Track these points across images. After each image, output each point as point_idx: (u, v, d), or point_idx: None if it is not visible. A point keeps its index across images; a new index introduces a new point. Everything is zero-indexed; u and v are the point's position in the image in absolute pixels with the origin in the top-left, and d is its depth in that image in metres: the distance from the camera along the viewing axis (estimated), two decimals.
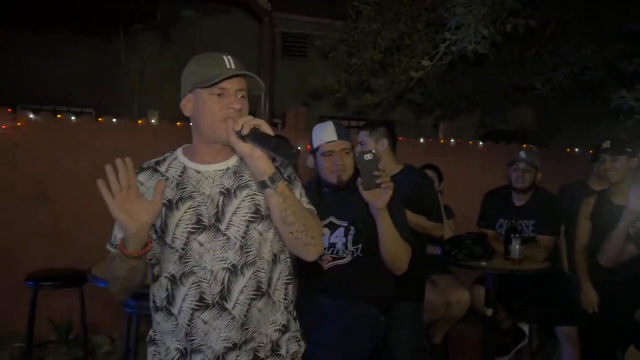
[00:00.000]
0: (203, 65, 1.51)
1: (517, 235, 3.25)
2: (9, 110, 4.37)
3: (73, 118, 4.53)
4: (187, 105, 1.54)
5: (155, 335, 1.61)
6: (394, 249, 2.21)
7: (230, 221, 1.52)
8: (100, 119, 4.62)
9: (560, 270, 3.57)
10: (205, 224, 1.52)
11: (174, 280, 1.51)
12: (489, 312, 3.30)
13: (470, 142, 5.52)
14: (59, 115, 4.53)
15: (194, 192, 1.54)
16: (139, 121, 4.64)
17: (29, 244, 4.21)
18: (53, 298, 3.41)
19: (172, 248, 1.52)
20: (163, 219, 1.51)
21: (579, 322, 3.29)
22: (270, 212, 1.49)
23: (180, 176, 1.56)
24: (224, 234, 1.51)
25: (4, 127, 4.27)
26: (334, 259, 2.34)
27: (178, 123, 4.73)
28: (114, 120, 4.61)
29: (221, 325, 1.50)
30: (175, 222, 1.51)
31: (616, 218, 2.60)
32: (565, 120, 5.07)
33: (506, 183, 3.66)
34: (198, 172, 1.56)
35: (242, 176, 1.57)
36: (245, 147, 1.42)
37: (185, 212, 1.52)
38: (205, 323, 1.50)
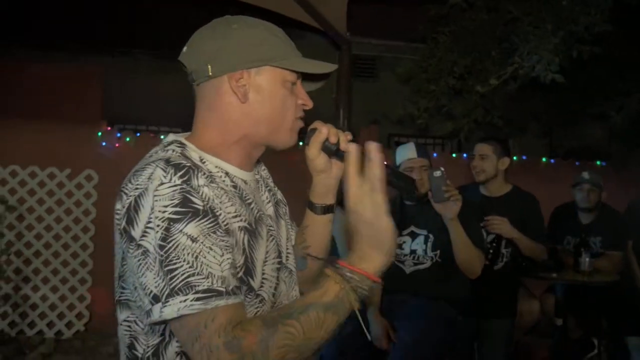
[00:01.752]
0: (278, 38, 1.07)
1: (587, 249, 3.40)
2: (109, 129, 4.92)
3: (162, 137, 5.02)
4: (238, 83, 1.03)
5: None
6: (467, 254, 2.52)
7: (288, 249, 1.16)
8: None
9: (630, 284, 3.66)
10: (282, 257, 1.12)
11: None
12: (559, 321, 3.45)
13: (543, 160, 5.64)
14: (162, 136, 5.02)
15: (260, 212, 1.09)
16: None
17: None
18: None
19: (258, 296, 1.02)
20: (247, 251, 1.00)
21: None
22: (316, 238, 1.21)
23: (235, 188, 1.05)
24: (286, 267, 1.14)
25: (117, 145, 4.79)
26: (415, 264, 2.65)
27: None
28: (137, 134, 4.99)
29: None
30: (263, 256, 1.04)
31: None
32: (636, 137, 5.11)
33: (572, 199, 3.80)
34: (245, 182, 1.09)
35: (269, 189, 1.21)
36: (323, 162, 1.13)
37: (268, 241, 1.07)
38: None
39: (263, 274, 1.03)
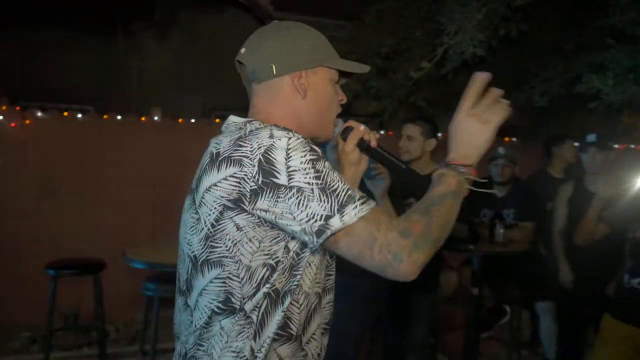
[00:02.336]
0: (326, 41, 1.25)
1: (501, 221, 3.58)
2: (17, 108, 4.55)
3: (79, 116, 4.73)
4: (299, 81, 1.18)
5: None
6: None
7: None
8: (105, 116, 4.82)
9: (539, 254, 3.90)
10: None
11: (274, 299, 1.11)
12: (475, 291, 3.62)
13: None
14: (65, 113, 4.72)
15: None
16: (143, 118, 4.84)
17: (36, 238, 4.39)
18: (59, 288, 3.50)
19: (325, 255, 1.19)
20: None
21: (556, 298, 3.64)
22: None
23: None
24: None
25: (13, 125, 4.45)
26: None
27: (180, 120, 4.95)
28: (119, 117, 4.81)
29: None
30: None
31: (590, 203, 2.92)
32: (545, 116, 5.40)
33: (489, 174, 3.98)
34: None
35: None
36: (356, 156, 1.32)
37: None
38: (323, 350, 1.24)
39: None
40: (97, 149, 4.66)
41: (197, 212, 1.11)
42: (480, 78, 1.15)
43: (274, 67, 1.17)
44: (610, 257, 2.92)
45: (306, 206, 1.01)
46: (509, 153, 3.87)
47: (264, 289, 1.08)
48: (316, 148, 1.08)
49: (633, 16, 3.08)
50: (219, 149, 1.09)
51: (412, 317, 3.09)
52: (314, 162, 1.04)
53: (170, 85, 5.85)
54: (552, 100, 3.91)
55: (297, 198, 1.01)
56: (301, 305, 1.13)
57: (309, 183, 1.02)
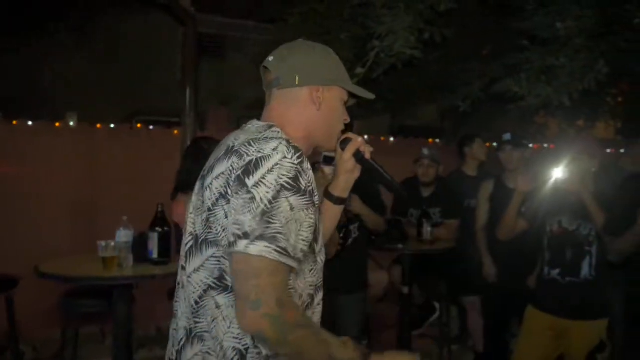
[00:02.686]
0: (343, 67, 1.40)
1: (428, 219, 3.66)
2: None
3: None
4: (317, 97, 1.32)
5: None
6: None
7: None
8: (14, 122, 4.51)
9: (464, 249, 4.02)
10: None
11: (313, 297, 1.29)
12: (406, 290, 3.68)
13: (382, 138, 5.97)
14: None
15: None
16: (57, 123, 4.57)
17: None
18: None
19: (315, 261, 1.30)
20: (317, 223, 1.27)
21: (481, 292, 3.76)
22: (327, 223, 1.48)
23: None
24: None
25: None
26: None
27: (98, 125, 4.72)
28: (30, 123, 4.51)
29: None
30: (321, 229, 1.33)
31: (510, 200, 3.04)
32: (466, 117, 5.60)
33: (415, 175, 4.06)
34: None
35: None
36: (352, 165, 1.44)
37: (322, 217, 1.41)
38: None
39: (321, 242, 1.33)
40: (6, 157, 4.34)
41: (202, 196, 1.22)
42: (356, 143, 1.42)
43: (297, 77, 1.31)
44: (531, 250, 3.04)
45: (244, 213, 1.11)
46: (433, 154, 3.97)
47: None
48: (301, 180, 1.17)
49: (542, 20, 3.22)
50: (235, 143, 1.22)
51: (343, 318, 3.09)
52: (282, 188, 1.13)
53: (90, 90, 5.59)
54: (473, 103, 4.04)
55: (244, 202, 1.12)
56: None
57: (261, 199, 1.11)
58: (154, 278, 2.28)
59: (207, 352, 1.20)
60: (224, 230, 1.16)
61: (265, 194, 1.11)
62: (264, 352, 1.18)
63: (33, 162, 4.41)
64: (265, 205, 1.11)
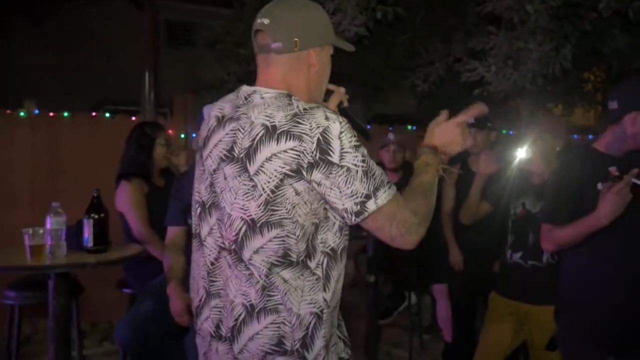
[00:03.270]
0: (328, 18, 1.41)
1: None
2: None
3: None
4: (316, 59, 1.34)
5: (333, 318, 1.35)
6: None
7: None
8: None
9: (433, 237, 3.92)
10: None
11: (333, 256, 1.31)
12: (372, 278, 3.57)
13: None
14: None
15: None
16: (7, 111, 4.41)
17: None
18: None
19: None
20: None
21: (448, 280, 3.67)
22: None
23: None
24: None
25: None
26: None
27: (66, 114, 4.56)
28: None
29: None
30: None
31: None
32: (439, 103, 5.51)
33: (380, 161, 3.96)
34: None
35: None
36: None
37: None
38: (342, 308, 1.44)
39: None
40: None
41: (251, 180, 1.23)
42: (480, 108, 1.44)
43: (297, 41, 1.30)
44: (497, 235, 2.95)
45: (352, 184, 1.21)
46: (399, 138, 3.86)
47: (321, 248, 1.27)
48: (355, 133, 1.26)
49: (509, 3, 3.12)
50: (273, 122, 1.23)
51: None
52: (358, 148, 1.23)
53: (54, 78, 5.42)
54: (436, 85, 3.94)
55: (345, 176, 1.21)
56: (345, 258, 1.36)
57: (355, 165, 1.21)
58: (84, 267, 2.14)
59: (282, 323, 1.26)
60: (293, 207, 1.23)
61: (354, 158, 1.22)
62: (331, 306, 1.30)
63: None
64: (362, 166, 1.22)
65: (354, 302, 4.34)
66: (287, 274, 1.25)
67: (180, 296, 2.36)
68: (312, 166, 1.20)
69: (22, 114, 4.35)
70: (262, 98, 1.29)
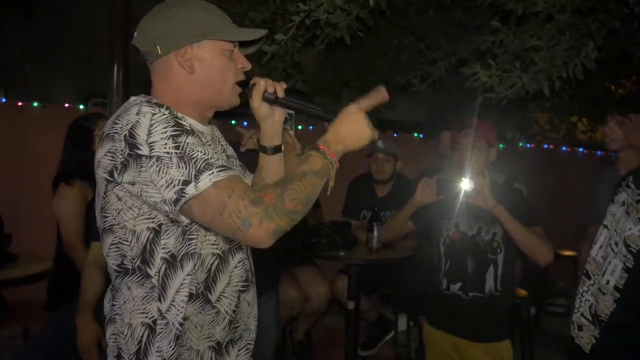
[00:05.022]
0: (213, 14, 1.28)
1: (378, 224, 3.09)
2: None
3: None
4: (184, 57, 1.23)
5: (180, 334, 1.22)
6: None
7: None
8: None
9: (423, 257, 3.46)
10: None
11: (223, 258, 1.27)
12: (351, 305, 3.13)
13: None
14: None
15: (225, 154, 1.40)
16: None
17: None
18: None
19: None
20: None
21: None
22: (271, 176, 1.39)
23: (201, 134, 1.28)
24: None
25: None
26: None
27: (36, 104, 4.21)
28: None
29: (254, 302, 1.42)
30: None
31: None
32: (446, 110, 5.05)
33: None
34: (202, 133, 1.29)
35: (222, 145, 1.44)
36: (266, 110, 1.35)
37: (244, 176, 1.43)
38: (248, 305, 1.38)
39: None
40: None
41: (97, 187, 1.21)
42: (384, 96, 1.23)
43: (158, 47, 1.23)
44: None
45: (166, 173, 1.08)
46: (388, 146, 3.41)
47: (161, 254, 1.18)
48: (182, 123, 1.16)
49: None
50: (104, 129, 1.19)
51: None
52: (175, 137, 1.11)
53: (37, 68, 5.11)
54: (435, 87, 3.48)
55: (157, 166, 1.09)
56: (195, 266, 1.21)
57: (168, 152, 1.09)
58: None
59: (119, 334, 1.21)
60: (118, 213, 1.17)
61: (165, 146, 1.10)
62: (170, 320, 1.19)
63: None
64: (176, 152, 1.10)
65: (331, 329, 3.89)
66: (130, 282, 1.21)
67: (91, 327, 1.96)
68: (124, 166, 1.12)
69: None
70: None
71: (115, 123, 1.14)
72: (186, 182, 1.08)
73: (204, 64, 1.24)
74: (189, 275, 1.19)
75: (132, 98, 1.24)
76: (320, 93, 4.64)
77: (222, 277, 1.27)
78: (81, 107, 4.47)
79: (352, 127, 1.21)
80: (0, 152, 4.09)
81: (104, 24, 4.54)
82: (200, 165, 1.09)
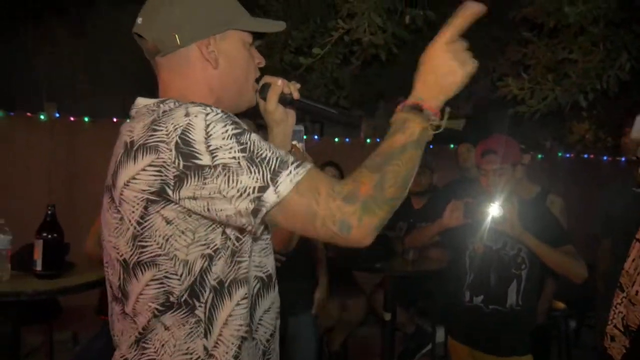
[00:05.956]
0: (232, 1, 1.13)
1: None
2: None
3: None
4: (208, 50, 1.07)
5: None
6: None
7: None
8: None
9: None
10: None
11: (265, 281, 1.12)
12: (388, 316, 3.18)
13: None
14: None
15: None
16: (28, 114, 4.33)
17: None
18: None
19: (267, 233, 1.14)
20: None
21: None
22: None
23: None
24: None
25: None
26: None
27: (86, 119, 4.43)
28: (11, 114, 4.32)
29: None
30: None
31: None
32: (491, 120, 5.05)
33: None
34: None
35: None
36: (281, 113, 1.21)
37: None
38: (277, 331, 1.20)
39: None
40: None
41: (118, 211, 0.99)
42: (472, 9, 0.97)
43: (177, 36, 1.05)
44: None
45: (236, 181, 0.91)
46: (426, 158, 3.44)
47: (207, 282, 1.00)
48: (238, 121, 0.97)
49: (545, 4, 2.68)
50: (132, 137, 0.97)
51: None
52: (237, 136, 0.94)
53: (87, 84, 5.38)
54: (481, 107, 3.50)
55: (224, 175, 0.91)
56: (246, 293, 1.05)
57: (234, 157, 0.92)
58: (19, 296, 1.84)
59: None
60: (166, 240, 0.96)
61: (229, 151, 0.92)
62: (220, 358, 1.01)
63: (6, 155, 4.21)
64: (243, 155, 0.92)
65: (370, 340, 3.94)
66: (169, 320, 1.00)
67: None
68: (179, 180, 0.92)
69: (42, 117, 4.26)
70: (136, 111, 1.05)
71: (155, 130, 0.95)
72: (263, 188, 0.91)
73: (228, 58, 1.09)
74: (238, 305, 1.02)
75: (160, 102, 1.02)
76: (356, 106, 4.73)
77: (262, 303, 1.11)
78: (128, 121, 4.65)
79: (446, 69, 0.99)
80: (54, 165, 4.33)
81: None
82: (275, 165, 0.92)
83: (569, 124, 4.84)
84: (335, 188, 0.93)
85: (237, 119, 0.98)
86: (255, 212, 0.92)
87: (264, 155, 0.93)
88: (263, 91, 1.18)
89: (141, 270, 0.99)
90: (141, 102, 1.06)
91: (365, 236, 0.93)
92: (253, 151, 0.92)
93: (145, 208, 0.95)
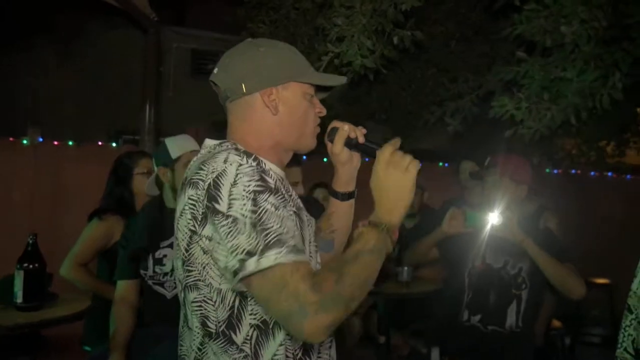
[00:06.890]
0: (298, 56, 1.26)
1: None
2: None
3: None
4: (269, 98, 1.19)
5: None
6: None
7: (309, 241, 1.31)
8: None
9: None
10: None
11: (264, 330, 1.15)
12: (382, 339, 3.14)
13: None
14: None
15: (298, 202, 1.27)
16: (11, 139, 4.25)
17: None
18: None
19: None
20: (299, 230, 1.14)
21: None
22: (341, 222, 1.39)
23: (280, 181, 1.22)
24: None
25: None
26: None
27: (70, 143, 4.35)
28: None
29: None
30: (308, 237, 1.23)
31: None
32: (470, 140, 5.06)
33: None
34: (282, 179, 1.24)
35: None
36: (346, 155, 1.31)
37: (309, 227, 1.28)
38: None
39: (310, 252, 1.22)
40: None
41: (176, 237, 1.14)
42: (396, 140, 1.18)
43: (243, 85, 1.19)
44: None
45: (235, 237, 1.02)
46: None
47: (249, 320, 1.09)
48: (267, 179, 1.09)
49: (541, 23, 2.68)
50: (188, 173, 1.14)
51: None
52: (256, 194, 1.04)
53: (71, 108, 5.30)
54: (468, 123, 3.47)
55: (229, 227, 1.02)
56: (288, 335, 1.12)
57: (243, 215, 1.02)
58: (9, 330, 1.77)
59: None
60: (204, 267, 1.09)
61: (243, 207, 1.03)
62: None
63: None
64: (250, 217, 1.02)
65: None
66: (215, 348, 1.11)
67: None
68: (204, 218, 1.05)
69: (24, 142, 4.18)
70: (202, 152, 1.20)
71: (201, 169, 1.08)
72: (250, 253, 0.99)
73: (288, 106, 1.21)
74: (282, 345, 1.10)
75: (220, 143, 1.18)
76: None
77: None
78: (114, 144, 4.60)
79: (392, 188, 1.13)
80: (37, 189, 4.23)
81: (136, 64, 4.74)
82: (271, 240, 1.00)
83: (561, 141, 4.85)
84: (309, 275, 1.00)
85: (266, 178, 1.08)
86: (234, 273, 1.02)
87: (267, 226, 1.02)
88: (331, 134, 1.29)
89: (188, 290, 1.13)
90: (207, 143, 1.21)
91: (314, 332, 0.98)
92: (260, 218, 1.02)
93: (190, 237, 1.09)
